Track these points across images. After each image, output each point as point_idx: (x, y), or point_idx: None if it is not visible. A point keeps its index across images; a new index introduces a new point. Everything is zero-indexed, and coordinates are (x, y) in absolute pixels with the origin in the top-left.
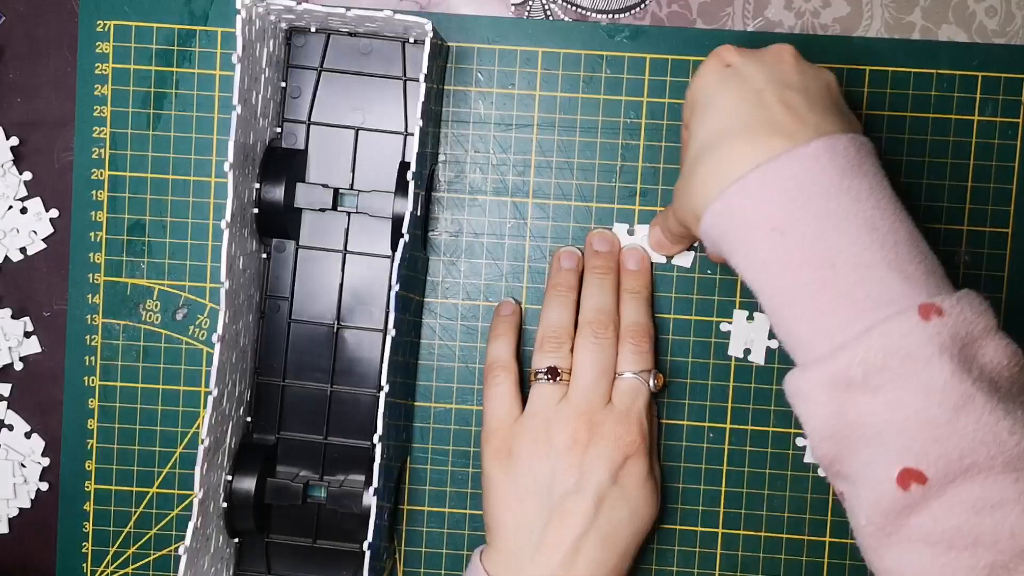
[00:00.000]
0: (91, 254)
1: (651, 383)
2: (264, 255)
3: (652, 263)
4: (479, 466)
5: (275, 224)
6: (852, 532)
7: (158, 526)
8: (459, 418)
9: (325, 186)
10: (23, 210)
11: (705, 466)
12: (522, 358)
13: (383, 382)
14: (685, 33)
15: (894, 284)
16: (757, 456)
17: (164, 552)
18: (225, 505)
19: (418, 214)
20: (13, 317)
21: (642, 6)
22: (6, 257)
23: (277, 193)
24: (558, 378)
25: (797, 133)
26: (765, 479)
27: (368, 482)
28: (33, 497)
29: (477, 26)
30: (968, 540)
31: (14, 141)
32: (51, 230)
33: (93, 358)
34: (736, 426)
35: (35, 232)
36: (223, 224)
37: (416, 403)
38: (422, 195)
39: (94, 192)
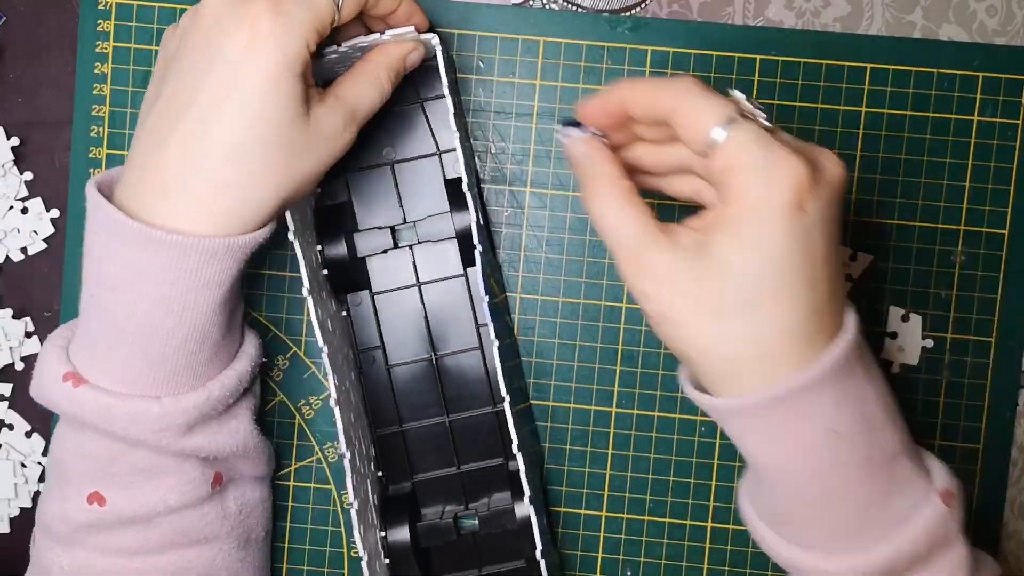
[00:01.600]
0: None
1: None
2: (344, 313)
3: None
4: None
5: (345, 279)
6: None
7: None
8: None
9: (381, 228)
10: (24, 210)
11: (696, 460)
12: None
13: (504, 392)
14: (687, 26)
15: (914, 474)
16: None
17: None
18: (387, 561)
19: (481, 222)
20: (14, 317)
21: (642, 6)
22: (7, 257)
23: (340, 249)
24: None
25: (832, 323)
26: None
27: (517, 495)
28: (34, 496)
29: (479, 14)
30: None
31: (15, 141)
32: (52, 230)
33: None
34: None
35: (36, 232)
36: (304, 292)
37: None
38: (479, 201)
39: None
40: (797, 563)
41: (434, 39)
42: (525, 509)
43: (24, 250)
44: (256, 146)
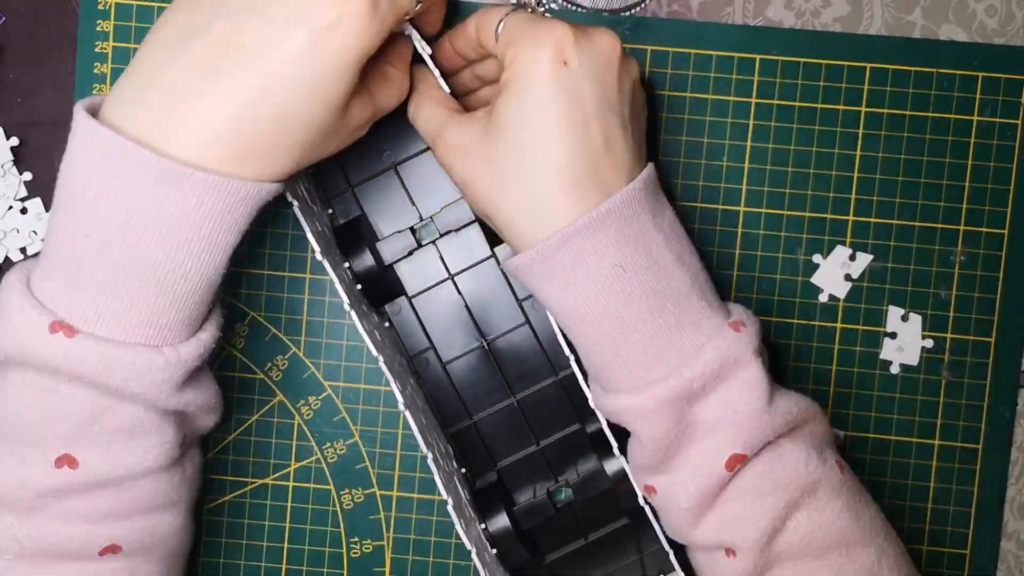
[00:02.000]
0: None
1: None
2: (387, 324)
3: None
4: None
5: (380, 289)
6: (661, 520)
7: None
8: None
9: (400, 231)
10: (23, 210)
11: None
12: None
13: (567, 352)
14: (687, 26)
15: (705, 310)
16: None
17: None
18: (495, 551)
19: None
20: None
21: (642, 5)
22: (6, 257)
23: (366, 261)
24: None
25: (615, 181)
26: None
27: (602, 454)
28: None
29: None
30: (769, 486)
31: (14, 141)
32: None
33: None
34: None
35: (35, 232)
36: (345, 307)
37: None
38: None
39: None
40: (612, 407)
41: (407, 28)
42: (616, 463)
43: (24, 250)
44: (301, 118)
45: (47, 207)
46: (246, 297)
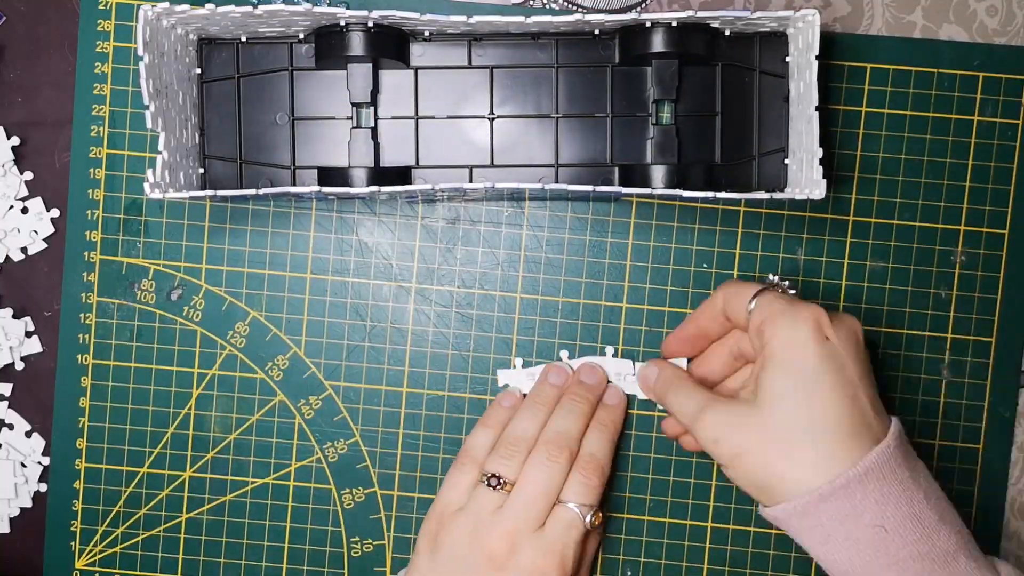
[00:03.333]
0: (87, 232)
1: (588, 519)
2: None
3: (628, 406)
4: None
5: (404, 178)
6: None
7: (147, 506)
8: (451, 406)
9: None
10: (24, 210)
11: (696, 460)
12: None
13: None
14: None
15: (974, 572)
16: None
17: (153, 532)
18: None
19: None
20: (14, 317)
21: (642, 5)
22: (7, 257)
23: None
24: (499, 486)
25: (878, 431)
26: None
27: None
28: (33, 496)
29: (481, 11)
30: None
31: (15, 141)
32: (52, 230)
33: (87, 336)
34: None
35: (36, 232)
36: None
37: (408, 389)
38: None
39: (91, 191)
40: None
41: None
42: None
43: (24, 250)
44: None
45: (47, 207)
46: (246, 297)
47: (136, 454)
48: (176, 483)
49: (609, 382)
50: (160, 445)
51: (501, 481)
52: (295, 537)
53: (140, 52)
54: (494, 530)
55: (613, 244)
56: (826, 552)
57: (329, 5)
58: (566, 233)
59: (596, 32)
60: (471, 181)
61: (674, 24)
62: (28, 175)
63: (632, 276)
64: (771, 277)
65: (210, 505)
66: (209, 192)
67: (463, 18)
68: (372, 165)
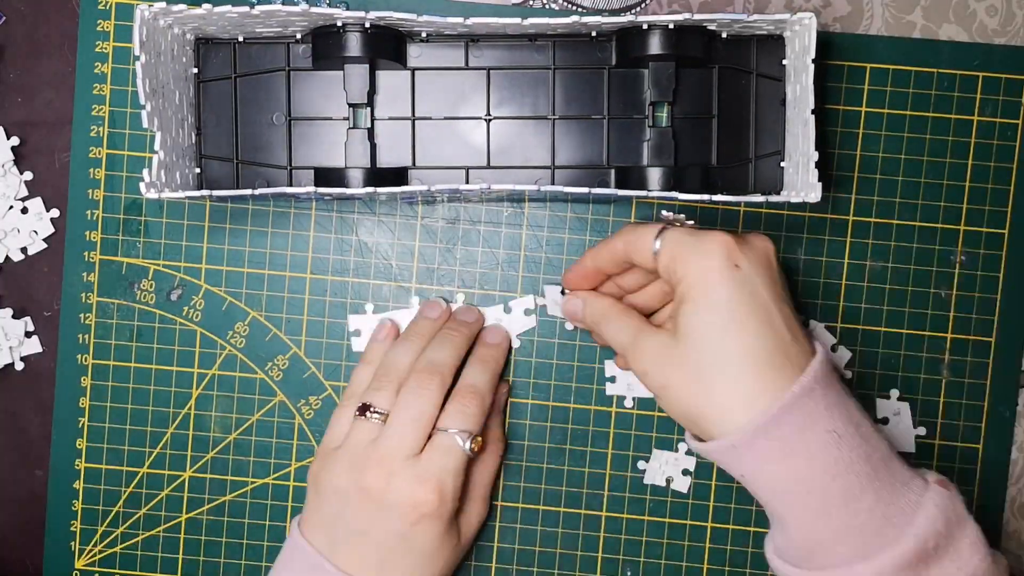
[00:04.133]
0: (87, 232)
1: (467, 445)
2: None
3: (512, 349)
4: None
5: (398, 179)
6: None
7: (147, 506)
8: None
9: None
10: (24, 210)
11: (696, 460)
12: None
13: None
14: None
15: (908, 471)
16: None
17: (153, 532)
18: None
19: None
20: (14, 317)
21: (642, 6)
22: (7, 257)
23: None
24: (371, 415)
25: (801, 354)
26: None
27: None
28: (33, 496)
29: (478, 12)
30: None
31: (15, 141)
32: (52, 230)
33: (87, 336)
34: None
35: (36, 232)
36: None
37: None
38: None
39: (91, 191)
40: None
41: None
42: None
43: (24, 250)
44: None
45: (47, 207)
46: (246, 297)
47: (136, 454)
48: (176, 483)
49: (489, 326)
50: (160, 445)
51: (374, 411)
52: None
53: (136, 52)
54: (368, 461)
55: None
56: (787, 468)
57: (328, 5)
58: (566, 233)
59: (593, 34)
60: (468, 182)
61: (671, 26)
62: (28, 175)
63: None
64: (665, 213)
65: (210, 505)
66: (205, 192)
67: (460, 19)
68: (369, 166)
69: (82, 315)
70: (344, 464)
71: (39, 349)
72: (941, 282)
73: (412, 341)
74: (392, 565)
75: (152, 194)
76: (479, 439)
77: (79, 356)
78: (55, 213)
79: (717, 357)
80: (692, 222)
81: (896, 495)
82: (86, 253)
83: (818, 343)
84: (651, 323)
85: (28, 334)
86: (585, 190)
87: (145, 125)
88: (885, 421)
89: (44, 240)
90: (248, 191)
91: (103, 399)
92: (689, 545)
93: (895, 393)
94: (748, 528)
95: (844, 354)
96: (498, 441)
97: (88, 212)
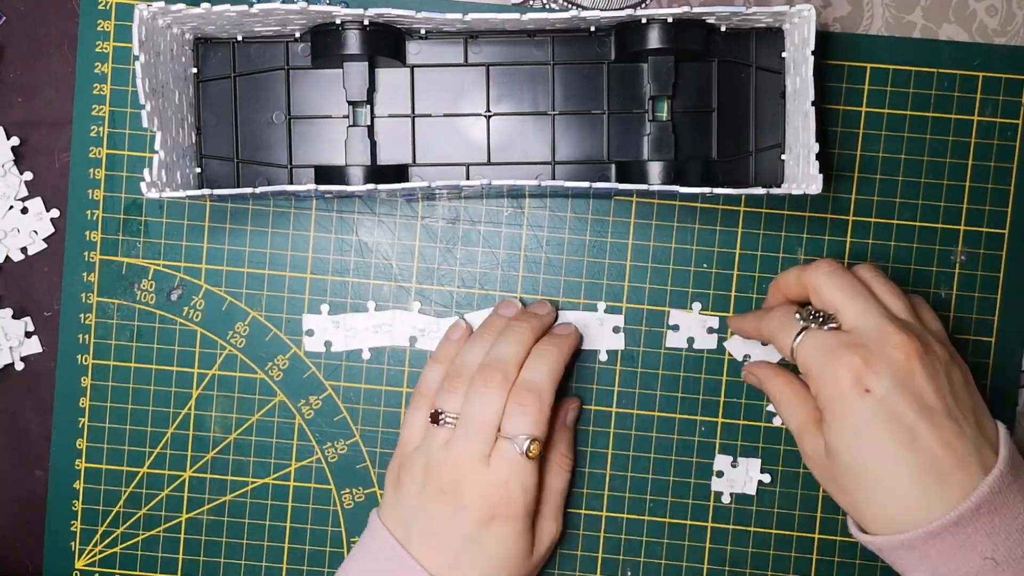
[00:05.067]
0: (87, 232)
1: (525, 447)
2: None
3: (581, 343)
4: None
5: (400, 176)
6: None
7: (148, 506)
8: None
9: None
10: (24, 210)
11: (696, 460)
12: None
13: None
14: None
15: None
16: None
17: (153, 532)
18: None
19: None
20: (14, 317)
21: (642, 6)
22: (7, 257)
23: (358, 177)
24: (445, 422)
25: (970, 473)
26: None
27: None
28: (33, 496)
29: (477, 10)
30: None
31: (15, 141)
32: (52, 230)
33: (87, 336)
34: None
35: (36, 232)
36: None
37: (409, 389)
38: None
39: (91, 191)
40: None
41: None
42: None
43: (24, 250)
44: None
45: (47, 207)
46: (246, 297)
47: (136, 454)
48: (176, 483)
49: (568, 322)
50: (160, 445)
51: (446, 417)
52: (295, 537)
53: (136, 51)
54: (443, 463)
55: (613, 244)
56: None
57: (328, 3)
58: (566, 233)
59: (592, 29)
60: (468, 179)
61: (669, 20)
62: (28, 175)
63: (632, 276)
64: (800, 318)
65: (210, 505)
66: (206, 191)
67: (459, 16)
68: (369, 163)
69: (82, 315)
70: (422, 464)
71: (39, 349)
72: (941, 282)
73: (483, 340)
74: (462, 566)
75: (153, 194)
76: (536, 444)
77: (79, 356)
78: (55, 213)
79: (861, 481)
80: (835, 324)
81: None
82: (86, 253)
83: (1003, 446)
84: (816, 419)
85: (28, 334)
86: (586, 185)
87: (145, 125)
88: None
89: (44, 240)
90: (248, 190)
91: (103, 399)
92: (689, 545)
93: None
94: (748, 528)
95: None
96: (562, 457)
97: (88, 212)
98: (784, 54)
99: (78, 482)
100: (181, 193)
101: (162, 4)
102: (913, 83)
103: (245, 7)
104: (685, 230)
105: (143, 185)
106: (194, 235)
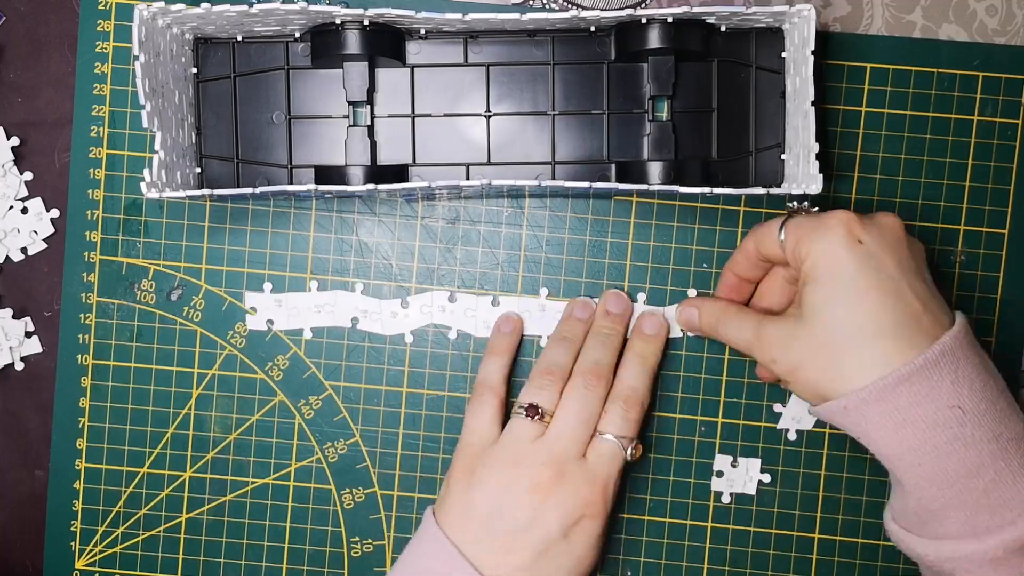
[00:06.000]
0: (87, 233)
1: (629, 452)
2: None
3: (669, 336)
4: None
5: (399, 176)
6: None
7: (148, 506)
8: (451, 406)
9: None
10: (24, 210)
11: (696, 460)
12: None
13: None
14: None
15: None
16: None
17: (153, 532)
18: None
19: None
20: (14, 317)
21: (642, 6)
22: (7, 257)
23: (358, 177)
24: (537, 416)
25: (934, 326)
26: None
27: None
28: (34, 496)
29: (477, 10)
30: None
31: (15, 141)
32: (52, 230)
33: (87, 336)
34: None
35: (36, 232)
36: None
37: (409, 389)
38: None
39: (91, 191)
40: (948, 554)
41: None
42: None
43: (24, 250)
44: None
45: (47, 207)
46: (247, 297)
47: (136, 454)
48: (176, 483)
49: (644, 313)
50: (160, 445)
51: (538, 410)
52: (295, 537)
53: (136, 51)
54: (537, 460)
55: (613, 244)
56: (900, 438)
57: (328, 3)
58: (566, 233)
59: (592, 29)
60: (468, 179)
61: (669, 20)
62: (28, 175)
63: (632, 276)
64: (790, 203)
65: (210, 505)
66: (206, 191)
67: (459, 16)
68: (369, 163)
69: (82, 315)
70: (508, 459)
71: (39, 349)
72: (941, 282)
73: (568, 341)
74: (546, 563)
75: (153, 194)
76: (639, 445)
77: (79, 356)
78: (55, 213)
79: (843, 330)
80: (816, 208)
81: (1021, 477)
82: (86, 253)
83: (959, 315)
84: (764, 316)
85: (28, 334)
86: (585, 185)
87: (145, 125)
88: None
89: (44, 240)
90: (248, 190)
91: (103, 399)
92: (689, 545)
93: None
94: (748, 528)
95: None
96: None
97: (88, 212)
98: (784, 54)
99: (78, 482)
100: (181, 193)
101: (162, 4)
102: (913, 83)
103: (245, 7)
104: (685, 230)
105: (143, 185)
106: (194, 235)
